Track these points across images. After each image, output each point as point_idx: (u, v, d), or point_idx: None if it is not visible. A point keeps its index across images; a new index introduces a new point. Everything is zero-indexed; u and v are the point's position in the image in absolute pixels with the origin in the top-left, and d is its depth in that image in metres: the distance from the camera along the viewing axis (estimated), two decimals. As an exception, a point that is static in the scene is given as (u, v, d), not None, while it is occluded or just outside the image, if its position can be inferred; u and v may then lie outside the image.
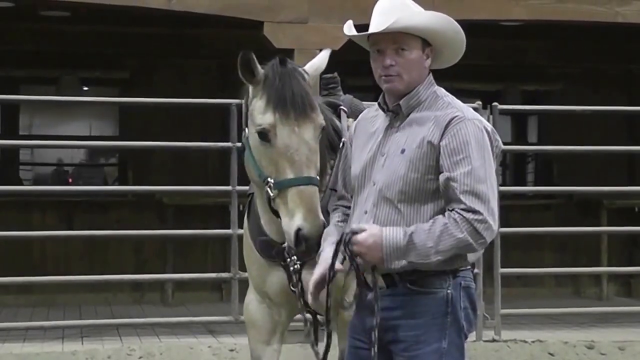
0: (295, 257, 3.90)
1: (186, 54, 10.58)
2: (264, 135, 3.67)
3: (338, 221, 3.56)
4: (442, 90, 3.40)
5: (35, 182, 11.74)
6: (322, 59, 4.02)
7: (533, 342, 7.54)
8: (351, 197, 3.52)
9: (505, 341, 7.53)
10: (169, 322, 8.03)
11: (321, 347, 3.85)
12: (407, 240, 3.16)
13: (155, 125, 10.03)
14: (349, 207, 3.55)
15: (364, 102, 4.49)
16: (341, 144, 3.91)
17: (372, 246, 3.17)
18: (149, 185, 9.52)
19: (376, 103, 3.49)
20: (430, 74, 3.41)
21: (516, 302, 8.30)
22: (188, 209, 9.79)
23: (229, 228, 7.53)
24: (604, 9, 8.06)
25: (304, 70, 3.84)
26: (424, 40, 3.33)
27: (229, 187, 7.50)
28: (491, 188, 3.24)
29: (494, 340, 7.54)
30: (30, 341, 7.55)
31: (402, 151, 3.29)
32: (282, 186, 3.62)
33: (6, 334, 7.66)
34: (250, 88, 3.81)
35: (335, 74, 4.50)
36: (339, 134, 4.14)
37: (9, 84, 10.37)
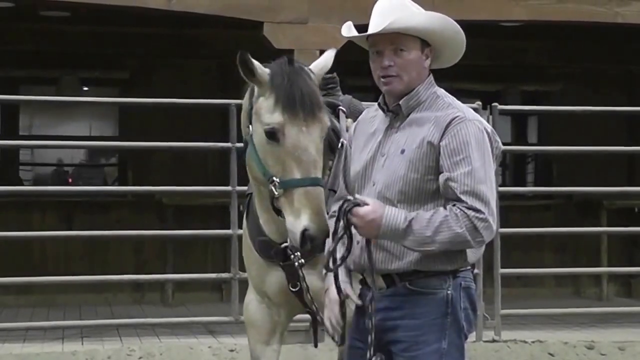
0: (298, 254, 3.90)
1: (186, 54, 10.59)
2: (273, 134, 3.66)
3: None
4: (442, 91, 3.40)
5: (35, 182, 11.74)
6: (327, 58, 4.02)
7: (533, 342, 7.54)
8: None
9: (505, 341, 7.53)
10: (169, 323, 8.04)
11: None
12: (406, 225, 3.16)
13: (155, 125, 10.04)
14: None
15: (363, 103, 4.49)
16: (340, 145, 3.91)
17: (371, 223, 3.17)
18: (149, 185, 9.51)
19: (376, 103, 3.49)
20: (431, 75, 3.41)
21: (516, 303, 8.30)
22: (188, 209, 9.79)
23: (229, 228, 7.53)
24: (603, 9, 8.06)
25: (309, 69, 3.84)
26: (423, 41, 3.33)
27: (228, 188, 7.50)
28: (491, 189, 3.24)
29: (494, 341, 7.54)
30: (31, 341, 7.55)
31: (402, 151, 3.29)
32: (289, 186, 3.60)
33: (6, 335, 7.66)
34: (255, 87, 3.81)
35: (334, 74, 4.50)
36: (337, 134, 4.14)
37: (8, 84, 10.38)
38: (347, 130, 4.02)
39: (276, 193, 3.63)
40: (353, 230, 3.26)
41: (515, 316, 8.14)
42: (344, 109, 4.34)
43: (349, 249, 3.25)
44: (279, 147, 3.65)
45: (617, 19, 8.12)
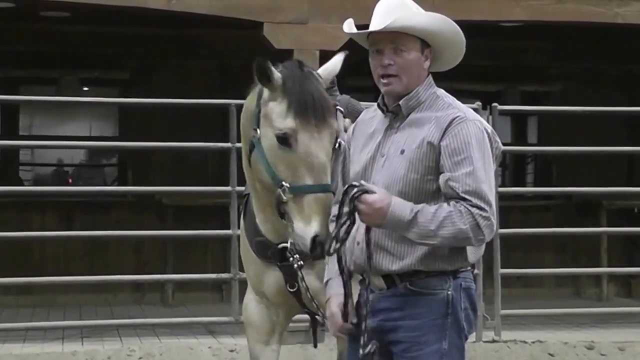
0: (297, 256, 3.90)
1: (186, 55, 10.59)
2: (285, 139, 3.67)
3: None
4: (441, 91, 3.40)
5: (35, 182, 11.74)
6: (336, 62, 4.03)
7: (533, 342, 7.55)
8: None
9: (505, 342, 7.53)
10: (169, 323, 8.04)
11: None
12: (412, 217, 3.15)
13: (155, 125, 10.04)
14: None
15: (363, 103, 4.49)
16: (337, 145, 3.92)
17: (378, 211, 3.15)
18: (149, 185, 9.52)
19: (374, 104, 3.49)
20: (430, 75, 3.41)
21: (516, 303, 8.30)
22: (188, 209, 9.79)
23: (228, 228, 7.53)
24: (603, 9, 8.06)
25: (318, 74, 3.85)
26: (423, 42, 3.33)
27: (228, 188, 7.50)
28: (491, 189, 3.24)
29: (494, 341, 7.54)
30: (31, 342, 7.55)
31: (402, 152, 3.29)
32: (299, 191, 3.60)
33: (6, 335, 7.67)
34: (265, 91, 3.81)
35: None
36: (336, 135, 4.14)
37: (9, 84, 10.38)
38: (345, 131, 4.02)
39: (285, 198, 3.63)
40: (352, 231, 3.26)
41: (515, 316, 8.15)
42: (342, 109, 4.34)
43: (348, 232, 3.24)
44: (290, 152, 3.65)
45: (617, 19, 8.12)
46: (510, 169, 12.23)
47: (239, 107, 7.44)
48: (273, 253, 4.12)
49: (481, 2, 7.94)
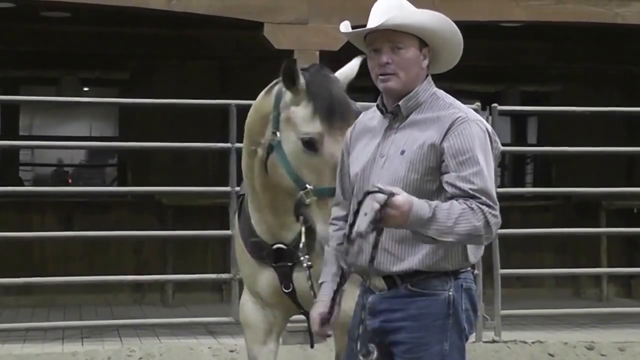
0: (307, 256, 3.90)
1: (186, 55, 10.59)
2: (311, 144, 3.71)
3: (338, 244, 3.52)
4: (441, 92, 3.40)
5: (35, 182, 11.74)
6: (352, 66, 4.06)
7: (533, 343, 7.55)
8: (348, 202, 3.51)
9: (505, 342, 7.53)
10: (169, 323, 8.05)
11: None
12: (432, 213, 3.12)
13: (155, 125, 10.03)
14: (344, 218, 3.52)
15: (363, 103, 4.50)
16: None
17: (405, 213, 3.09)
18: (149, 185, 9.52)
19: (373, 104, 3.49)
20: (429, 76, 3.41)
21: (516, 303, 8.30)
22: (187, 209, 9.79)
23: (228, 229, 7.52)
24: (603, 10, 8.06)
25: (336, 76, 3.89)
26: (421, 41, 3.33)
27: (228, 188, 7.50)
28: (494, 188, 3.26)
29: (494, 341, 7.55)
30: (31, 342, 7.55)
31: (402, 152, 3.29)
32: (324, 194, 3.65)
33: (6, 335, 7.67)
34: (287, 94, 3.82)
35: None
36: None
37: (9, 84, 10.40)
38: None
39: (307, 201, 3.66)
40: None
41: (515, 317, 8.15)
42: None
43: (377, 245, 3.16)
44: (316, 156, 3.71)
45: (617, 19, 8.12)
46: (510, 169, 12.24)
47: (239, 107, 7.53)
48: (268, 253, 4.13)
49: (481, 3, 7.94)
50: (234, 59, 10.41)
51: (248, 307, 4.34)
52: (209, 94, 9.37)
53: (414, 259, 3.25)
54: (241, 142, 6.70)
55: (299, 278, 4.06)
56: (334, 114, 3.71)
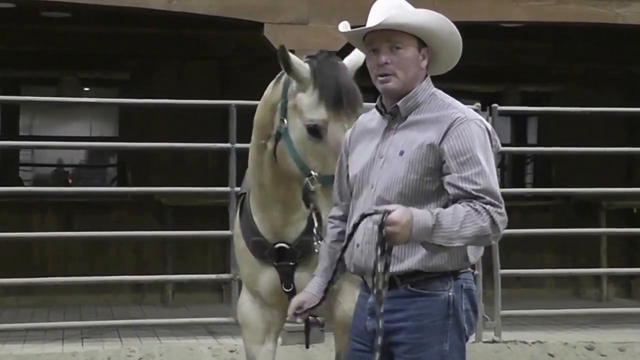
0: (321, 242, 3.90)
1: (186, 55, 10.59)
2: (316, 130, 3.72)
3: (332, 241, 3.55)
4: (440, 92, 3.40)
5: (35, 182, 11.74)
6: (359, 53, 4.04)
7: (533, 343, 7.54)
8: (345, 204, 3.53)
9: (505, 342, 7.53)
10: (169, 323, 8.05)
11: None
12: (435, 221, 3.11)
13: (155, 126, 10.03)
14: (341, 218, 3.55)
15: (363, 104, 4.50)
16: None
17: (406, 225, 3.08)
18: (149, 186, 9.52)
19: (372, 105, 3.49)
20: (428, 76, 3.40)
21: (516, 303, 8.30)
22: (187, 209, 9.79)
23: (228, 229, 7.52)
24: (603, 10, 8.06)
25: (344, 64, 3.87)
26: (420, 41, 3.33)
27: (227, 188, 7.50)
28: (497, 186, 3.26)
29: (493, 342, 7.54)
30: (31, 342, 7.55)
31: (401, 153, 3.29)
32: (328, 181, 3.65)
33: (6, 335, 7.67)
34: (294, 82, 3.83)
35: None
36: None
37: (9, 84, 10.40)
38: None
39: (312, 187, 3.67)
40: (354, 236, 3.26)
41: (515, 317, 8.14)
42: None
43: (387, 266, 3.16)
44: (321, 143, 3.71)
45: (617, 19, 8.12)
46: (510, 169, 12.24)
47: (239, 108, 7.53)
48: (270, 253, 4.13)
49: (481, 3, 7.93)
50: (234, 59, 10.41)
51: (247, 306, 4.34)
52: (209, 94, 9.38)
53: (414, 259, 3.25)
54: (241, 142, 6.73)
55: (300, 278, 4.06)
56: (340, 101, 3.71)
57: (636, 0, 8.12)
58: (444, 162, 3.23)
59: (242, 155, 6.70)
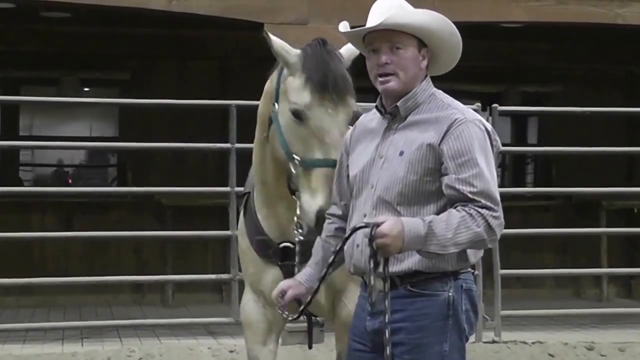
0: (300, 230, 3.88)
1: (186, 55, 10.59)
2: (298, 113, 3.71)
3: (327, 236, 3.56)
4: (440, 92, 3.40)
5: (35, 183, 11.74)
6: None
7: (533, 343, 7.54)
8: (344, 204, 3.54)
9: (505, 342, 7.53)
10: (169, 324, 8.04)
11: None
12: (427, 229, 3.12)
13: (155, 126, 10.04)
14: (339, 217, 3.56)
15: (363, 104, 4.50)
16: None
17: (397, 236, 3.10)
18: (148, 186, 9.52)
19: (372, 105, 3.49)
20: (428, 76, 3.40)
21: (516, 303, 8.30)
22: (187, 209, 9.79)
23: (228, 229, 7.53)
24: (604, 10, 8.06)
25: (339, 53, 3.86)
26: (420, 41, 3.33)
27: (227, 188, 7.50)
28: (496, 188, 3.26)
29: (493, 342, 7.54)
30: (30, 342, 7.54)
31: (401, 153, 3.29)
32: (309, 165, 3.66)
33: (6, 335, 7.66)
34: (286, 68, 3.83)
35: None
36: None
37: (9, 84, 10.40)
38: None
39: (294, 171, 3.66)
40: (352, 237, 3.27)
41: (515, 317, 8.14)
42: None
43: (385, 276, 3.19)
44: (303, 126, 3.70)
45: (618, 20, 8.12)
46: (510, 169, 12.24)
47: (239, 108, 7.52)
48: (274, 252, 4.12)
49: (481, 3, 7.93)
50: (234, 59, 10.40)
51: (250, 306, 4.33)
52: (209, 94, 9.37)
53: (414, 259, 3.24)
54: (241, 142, 6.72)
55: None
56: (325, 86, 3.68)
57: (636, 1, 8.11)
58: (443, 163, 3.23)
59: (242, 155, 6.72)
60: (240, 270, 7.06)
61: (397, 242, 3.11)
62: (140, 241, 10.10)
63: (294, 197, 3.77)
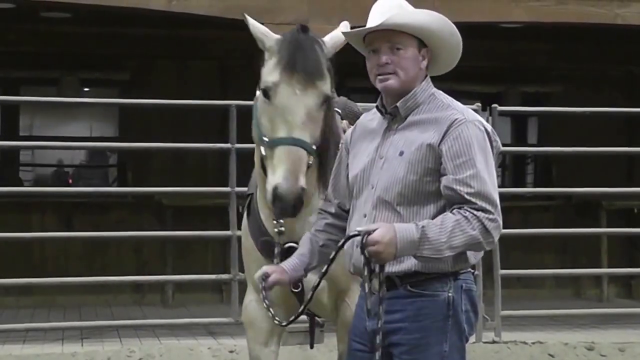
0: (282, 221, 3.88)
1: (186, 55, 10.59)
2: (266, 92, 3.71)
3: (317, 230, 3.57)
4: (440, 92, 3.40)
5: (36, 183, 11.73)
6: (340, 34, 4.03)
7: (533, 343, 7.54)
8: (338, 202, 3.55)
9: (506, 342, 7.53)
10: (169, 324, 8.05)
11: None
12: (420, 234, 3.12)
13: (155, 126, 10.04)
14: (332, 214, 3.56)
15: (363, 104, 4.50)
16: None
17: (389, 242, 3.10)
18: (149, 186, 9.52)
19: (373, 105, 3.49)
20: (428, 77, 3.40)
21: (516, 304, 8.30)
22: (187, 210, 9.79)
23: (228, 229, 7.53)
24: (603, 10, 8.06)
25: (322, 40, 3.86)
26: (420, 41, 3.33)
27: (227, 189, 7.50)
28: (495, 189, 3.25)
29: (494, 342, 7.54)
30: (30, 342, 7.55)
31: (401, 153, 3.29)
32: (273, 144, 3.63)
33: (6, 336, 7.66)
34: (264, 50, 3.86)
35: None
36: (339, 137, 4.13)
37: (9, 84, 10.40)
38: (343, 132, 4.02)
39: (264, 154, 3.66)
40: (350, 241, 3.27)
41: (516, 317, 8.14)
42: (339, 111, 4.35)
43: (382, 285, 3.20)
44: (271, 105, 3.69)
45: (617, 20, 8.12)
46: (511, 169, 12.24)
47: (239, 108, 7.52)
48: (279, 252, 4.11)
49: (481, 3, 7.93)
50: (234, 59, 10.40)
51: (253, 306, 4.32)
52: (209, 94, 9.38)
53: (413, 260, 3.24)
54: (241, 142, 6.72)
55: (309, 278, 4.03)
56: (294, 65, 3.65)
57: (636, 1, 8.12)
58: (442, 163, 3.23)
59: (242, 155, 6.72)
60: (240, 271, 7.10)
61: (389, 248, 3.11)
62: (140, 241, 10.10)
63: (266, 177, 3.73)
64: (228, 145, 7.50)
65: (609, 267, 10.34)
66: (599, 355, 7.50)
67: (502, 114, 8.22)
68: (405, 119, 3.34)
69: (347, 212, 3.53)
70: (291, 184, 3.50)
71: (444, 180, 3.23)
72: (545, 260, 10.54)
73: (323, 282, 3.65)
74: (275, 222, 3.92)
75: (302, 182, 3.54)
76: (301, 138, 3.59)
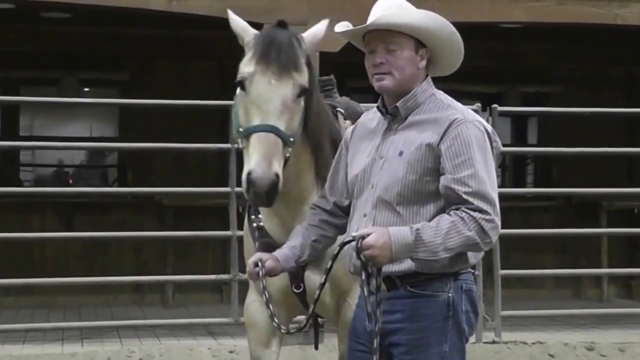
0: (260, 216, 3.90)
1: (186, 56, 10.59)
2: (242, 84, 3.71)
3: (309, 224, 3.58)
4: (440, 93, 3.40)
5: (36, 183, 11.74)
6: (320, 27, 4.04)
7: (533, 343, 7.54)
8: (334, 200, 3.57)
9: (506, 343, 7.53)
10: (169, 324, 8.04)
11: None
12: (415, 237, 3.12)
13: (155, 126, 10.03)
14: (328, 211, 3.58)
15: (363, 105, 4.49)
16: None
17: (384, 246, 3.11)
18: (149, 186, 9.52)
19: (374, 105, 3.49)
20: (429, 77, 3.40)
21: (516, 304, 8.30)
22: (187, 210, 9.79)
23: (228, 229, 7.53)
24: (603, 11, 8.06)
25: (300, 36, 3.87)
26: (418, 41, 3.33)
27: (228, 189, 7.50)
28: (494, 189, 3.24)
29: (494, 342, 7.54)
30: (30, 343, 7.55)
31: (400, 153, 3.29)
32: (248, 133, 3.60)
33: (6, 336, 7.66)
34: (243, 45, 3.89)
35: (332, 76, 4.51)
36: (339, 136, 4.13)
37: (9, 85, 10.40)
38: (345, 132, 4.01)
39: (241, 145, 3.64)
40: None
41: (516, 317, 8.15)
42: (342, 111, 4.34)
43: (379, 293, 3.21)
44: (246, 96, 3.69)
45: (617, 20, 8.12)
46: (511, 169, 12.24)
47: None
48: None
49: (481, 3, 7.93)
50: (234, 59, 10.37)
51: (254, 307, 4.31)
52: (209, 94, 9.36)
53: (414, 260, 3.24)
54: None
55: (310, 278, 4.03)
56: (268, 56, 3.66)
57: (636, 1, 8.12)
58: (441, 162, 3.23)
59: (242, 155, 6.71)
60: (240, 271, 7.10)
61: (384, 252, 3.11)
62: (141, 241, 10.10)
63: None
64: (228, 145, 7.49)
65: (609, 267, 10.34)
66: (599, 356, 7.50)
67: (502, 114, 8.22)
68: (406, 119, 3.34)
69: (343, 210, 3.54)
70: (264, 168, 3.44)
71: (443, 180, 3.23)
72: (545, 261, 10.54)
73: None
74: (254, 217, 3.92)
75: (277, 168, 3.49)
76: (276, 125, 3.56)
